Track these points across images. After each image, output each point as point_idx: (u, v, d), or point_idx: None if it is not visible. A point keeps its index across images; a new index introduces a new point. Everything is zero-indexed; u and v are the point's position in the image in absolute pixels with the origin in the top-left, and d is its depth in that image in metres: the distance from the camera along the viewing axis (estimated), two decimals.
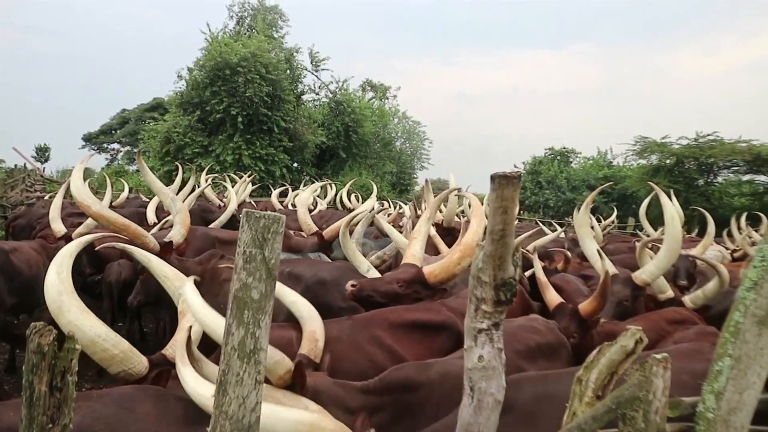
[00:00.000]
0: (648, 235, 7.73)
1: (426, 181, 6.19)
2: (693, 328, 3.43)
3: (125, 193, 10.08)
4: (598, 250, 4.37)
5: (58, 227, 5.14)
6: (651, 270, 4.26)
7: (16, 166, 20.95)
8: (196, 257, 4.25)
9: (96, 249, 3.94)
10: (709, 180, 25.18)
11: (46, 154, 39.98)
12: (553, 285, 3.83)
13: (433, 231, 6.43)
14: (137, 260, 3.16)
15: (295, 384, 2.16)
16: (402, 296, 3.35)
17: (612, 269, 4.20)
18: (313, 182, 11.36)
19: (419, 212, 9.34)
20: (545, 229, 8.68)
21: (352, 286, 3.34)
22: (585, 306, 3.40)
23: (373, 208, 7.48)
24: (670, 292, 4.39)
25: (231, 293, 1.32)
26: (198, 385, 1.89)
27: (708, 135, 24.13)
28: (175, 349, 2.43)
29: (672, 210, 4.25)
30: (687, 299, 4.32)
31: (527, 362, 2.73)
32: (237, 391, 1.32)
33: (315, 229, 6.20)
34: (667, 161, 25.29)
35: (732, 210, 18.52)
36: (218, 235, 5.84)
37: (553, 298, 3.68)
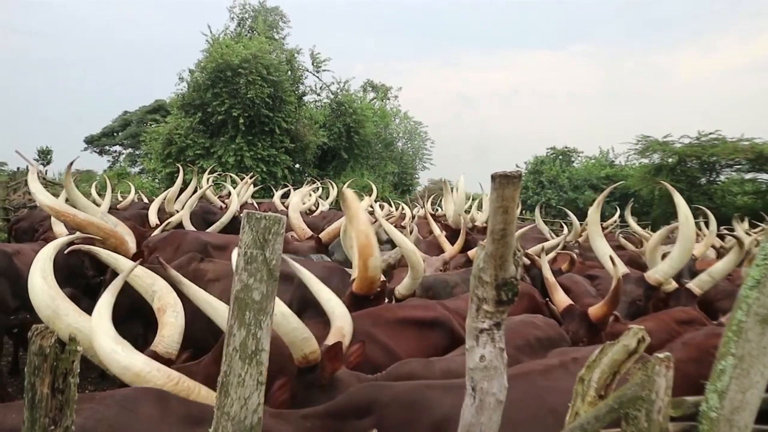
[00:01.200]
0: (635, 234, 7.79)
1: (444, 182, 6.18)
2: (703, 330, 3.34)
3: (131, 196, 9.81)
4: (611, 255, 4.27)
5: (60, 230, 5.14)
6: (664, 269, 4.22)
7: (18, 168, 20.92)
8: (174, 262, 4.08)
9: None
10: (711, 179, 25.12)
11: (48, 156, 39.93)
12: (560, 285, 3.79)
13: (437, 231, 6.52)
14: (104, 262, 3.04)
15: (320, 369, 2.20)
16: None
17: (623, 269, 4.14)
18: (314, 183, 11.34)
19: (423, 211, 9.35)
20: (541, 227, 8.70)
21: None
22: (595, 310, 3.34)
23: (372, 210, 7.51)
24: (673, 283, 4.35)
25: (232, 294, 1.32)
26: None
27: (710, 134, 24.12)
28: (161, 343, 2.39)
29: (686, 210, 4.20)
30: (692, 285, 4.26)
31: (528, 357, 2.73)
32: (239, 392, 1.32)
33: (309, 233, 6.15)
34: (670, 160, 25.23)
35: (735, 209, 18.46)
36: (210, 240, 5.52)
37: (561, 299, 3.62)
